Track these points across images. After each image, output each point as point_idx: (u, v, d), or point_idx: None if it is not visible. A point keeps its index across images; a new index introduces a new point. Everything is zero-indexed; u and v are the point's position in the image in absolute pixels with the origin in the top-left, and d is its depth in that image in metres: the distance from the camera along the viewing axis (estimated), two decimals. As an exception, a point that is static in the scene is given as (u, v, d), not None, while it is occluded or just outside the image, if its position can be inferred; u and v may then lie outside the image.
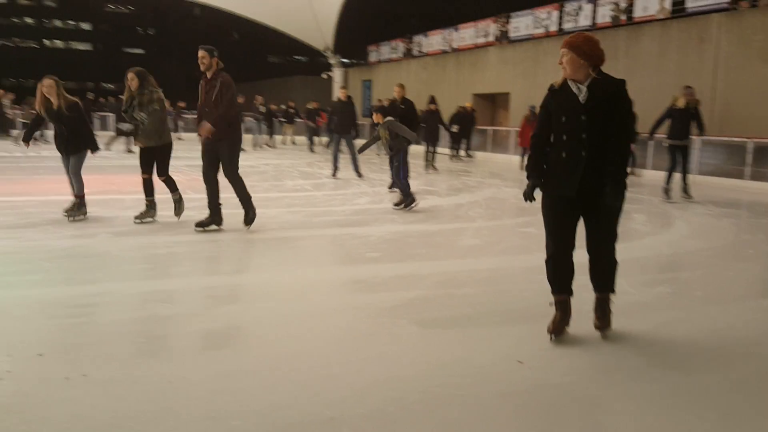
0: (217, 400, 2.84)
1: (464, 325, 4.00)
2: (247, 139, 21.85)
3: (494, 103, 24.53)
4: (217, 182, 6.68)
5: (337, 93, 15.37)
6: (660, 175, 11.07)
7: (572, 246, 3.63)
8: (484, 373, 3.24)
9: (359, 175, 12.29)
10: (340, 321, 4.00)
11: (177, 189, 7.25)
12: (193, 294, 4.60)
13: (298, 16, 28.28)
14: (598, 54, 3.49)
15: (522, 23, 22.13)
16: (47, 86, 6.92)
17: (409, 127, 8.96)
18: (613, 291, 3.78)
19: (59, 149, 7.16)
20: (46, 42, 72.41)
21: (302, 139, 23.51)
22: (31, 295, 4.36)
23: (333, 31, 29.68)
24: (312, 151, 20.84)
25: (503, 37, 22.99)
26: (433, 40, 27.24)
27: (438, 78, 26.02)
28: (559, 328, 3.68)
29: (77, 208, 7.16)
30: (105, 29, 73.68)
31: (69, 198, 7.26)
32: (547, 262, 3.72)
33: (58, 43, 73.01)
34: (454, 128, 18.00)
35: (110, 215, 7.45)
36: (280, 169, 14.61)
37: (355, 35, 32.31)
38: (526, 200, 3.69)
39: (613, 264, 3.72)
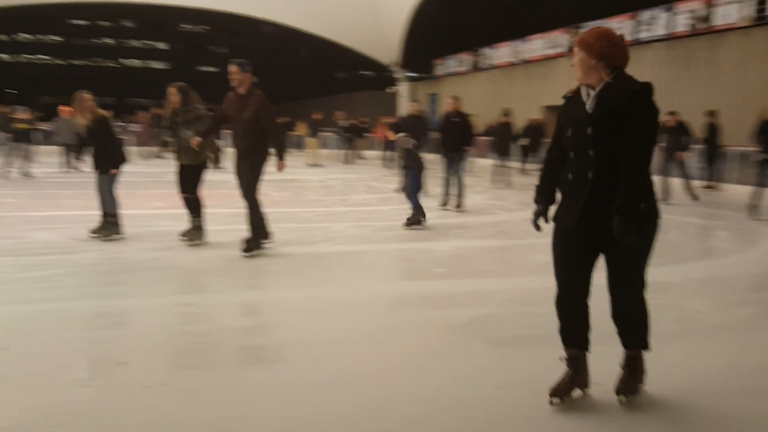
0: (289, 414, 2.87)
1: (537, 344, 3.90)
2: (328, 154, 22.35)
3: (565, 115, 24.05)
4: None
5: (407, 107, 15.51)
6: (745, 190, 10.55)
7: (583, 289, 3.02)
8: (558, 395, 3.14)
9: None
10: (408, 337, 3.98)
11: (200, 215, 6.82)
12: (266, 306, 4.68)
13: (364, 31, 28.69)
14: (615, 53, 2.82)
15: (594, 34, 21.67)
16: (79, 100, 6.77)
17: (463, 140, 8.95)
18: (644, 347, 3.06)
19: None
20: (125, 61, 76.13)
21: (372, 154, 23.61)
22: (113, 306, 4.54)
23: (399, 46, 29.93)
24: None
25: (574, 48, 22.59)
26: (501, 52, 27.04)
27: (506, 90, 25.78)
28: (562, 390, 3.01)
29: (107, 227, 6.84)
30: (180, 48, 76.84)
31: (145, 212, 7.52)
32: (555, 305, 3.12)
33: (136, 63, 76.62)
34: (524, 141, 17.73)
35: (180, 227, 7.69)
36: (347, 183, 14.77)
37: (421, 49, 32.40)
38: (536, 229, 3.20)
39: (638, 316, 3.02)
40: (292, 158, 20.90)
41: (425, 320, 4.33)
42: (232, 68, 6.06)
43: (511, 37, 26.81)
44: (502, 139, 14.65)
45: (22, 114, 14.14)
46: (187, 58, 76.89)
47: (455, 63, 30.56)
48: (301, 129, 28.32)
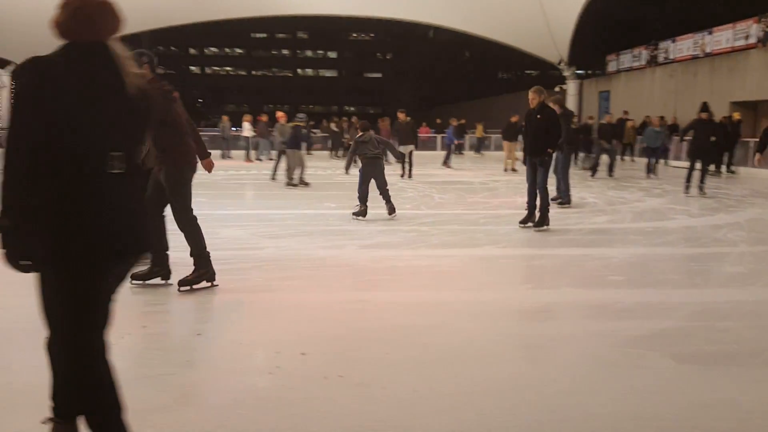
0: (456, 416, 2.86)
1: (728, 362, 3.56)
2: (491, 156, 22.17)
3: (756, 111, 21.80)
4: None
5: (570, 106, 14.64)
6: None
7: None
8: (754, 420, 2.85)
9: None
10: (582, 348, 3.80)
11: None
12: (436, 307, 4.72)
13: (530, 29, 27.96)
14: None
15: (792, 21, 19.39)
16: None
17: (549, 140, 7.56)
18: None
19: None
20: (299, 71, 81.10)
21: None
22: (294, 299, 4.84)
23: (568, 42, 28.83)
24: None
25: (767, 39, 20.35)
26: (682, 46, 25.05)
27: (687, 86, 23.86)
28: None
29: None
30: (348, 56, 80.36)
31: (322, 212, 7.84)
32: None
33: (309, 72, 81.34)
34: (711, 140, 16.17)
35: (355, 229, 8.02)
36: (512, 185, 14.50)
37: (593, 45, 31.00)
38: None
39: None
40: (471, 161, 21.08)
41: (600, 331, 4.11)
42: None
43: (693, 29, 24.75)
44: (699, 140, 11.95)
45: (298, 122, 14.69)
46: (355, 66, 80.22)
47: (630, 58, 28.82)
48: (479, 131, 28.39)
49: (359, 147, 8.85)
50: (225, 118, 25.35)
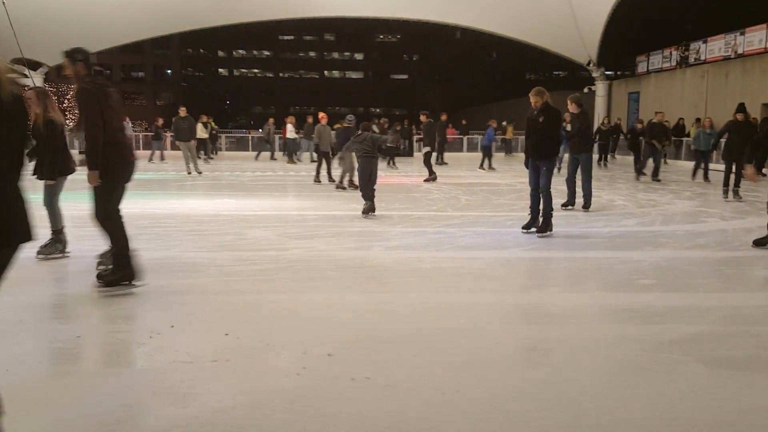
0: (484, 419, 2.84)
1: (762, 368, 3.49)
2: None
3: (789, 113, 21.32)
4: None
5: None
6: None
7: None
8: (792, 428, 2.78)
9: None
10: (612, 352, 3.75)
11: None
12: (463, 309, 4.70)
13: (559, 30, 27.73)
14: None
15: (829, 19, 18.91)
16: (27, 98, 5.74)
17: (551, 145, 7.43)
18: None
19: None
20: (326, 73, 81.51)
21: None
22: (320, 300, 4.86)
23: (597, 43, 28.51)
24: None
25: (803, 38, 19.92)
26: (714, 46, 24.61)
27: (718, 87, 23.44)
28: None
29: (51, 244, 6.14)
30: (375, 58, 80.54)
31: (348, 213, 7.92)
32: None
33: (335, 74, 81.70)
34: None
35: (381, 230, 8.02)
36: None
37: (622, 46, 30.62)
38: None
39: None
40: (498, 163, 20.93)
41: (631, 335, 4.05)
42: (64, 62, 5.04)
43: (725, 30, 24.30)
44: (734, 142, 11.37)
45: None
46: (381, 67, 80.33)
47: (660, 59, 28.38)
48: (509, 132, 28.23)
49: (353, 144, 9.53)
50: (270, 120, 25.99)
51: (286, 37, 76.59)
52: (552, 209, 7.69)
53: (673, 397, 3.10)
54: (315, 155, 16.34)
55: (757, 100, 21.12)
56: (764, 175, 17.01)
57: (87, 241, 6.36)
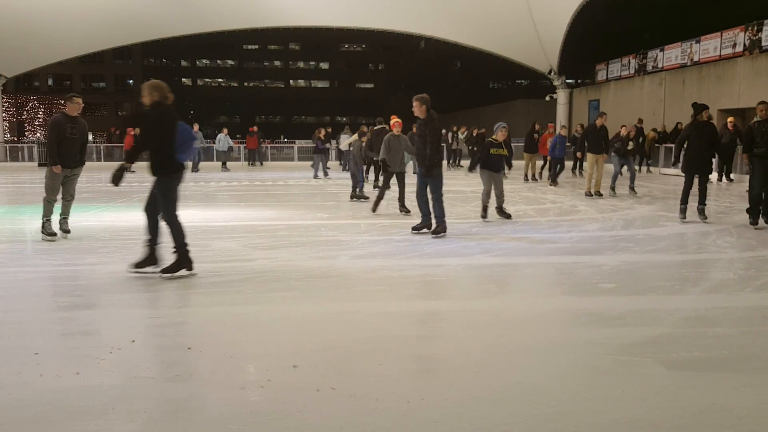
0: (449, 427, 2.85)
1: (722, 369, 3.57)
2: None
3: (744, 118, 22.02)
4: None
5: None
6: None
7: None
8: (747, 425, 2.85)
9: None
10: (574, 355, 3.80)
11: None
12: (432, 316, 4.72)
13: (521, 40, 28.20)
14: None
15: (777, 29, 19.60)
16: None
17: (430, 149, 7.73)
18: None
19: None
20: (292, 82, 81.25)
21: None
22: (285, 311, 4.82)
23: (558, 52, 29.05)
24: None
25: (754, 47, 20.58)
26: (671, 54, 25.28)
27: (675, 94, 24.09)
28: None
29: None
30: (340, 68, 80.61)
31: (315, 222, 7.84)
32: None
33: (301, 83, 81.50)
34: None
35: (348, 239, 8.01)
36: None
37: (582, 54, 31.21)
38: None
39: None
40: (465, 170, 21.10)
41: (592, 339, 4.11)
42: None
43: (682, 38, 24.99)
44: (695, 148, 9.33)
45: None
46: (347, 77, 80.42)
47: (619, 67, 29.03)
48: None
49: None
50: (322, 132, 21.23)
51: (250, 47, 76.20)
52: (444, 213, 8.14)
53: (636, 399, 3.15)
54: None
55: (713, 106, 21.72)
56: (731, 180, 17.49)
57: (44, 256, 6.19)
